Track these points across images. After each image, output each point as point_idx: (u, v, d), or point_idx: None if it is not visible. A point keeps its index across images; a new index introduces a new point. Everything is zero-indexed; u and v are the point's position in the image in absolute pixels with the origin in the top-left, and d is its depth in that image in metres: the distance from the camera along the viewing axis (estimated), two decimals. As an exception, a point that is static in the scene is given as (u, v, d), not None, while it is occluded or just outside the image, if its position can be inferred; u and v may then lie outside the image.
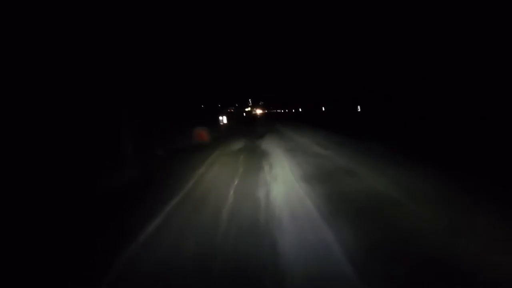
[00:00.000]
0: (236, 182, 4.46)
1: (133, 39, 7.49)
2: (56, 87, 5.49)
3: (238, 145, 9.00)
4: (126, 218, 3.39)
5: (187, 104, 16.04)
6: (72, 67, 5.78)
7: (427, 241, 2.25)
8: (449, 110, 9.88)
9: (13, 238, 2.92)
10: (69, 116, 5.66)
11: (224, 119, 18.31)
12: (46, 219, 3.43)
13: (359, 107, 22.11)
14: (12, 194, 3.85)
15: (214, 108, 23.30)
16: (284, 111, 55.74)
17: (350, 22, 19.09)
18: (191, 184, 4.63)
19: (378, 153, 6.00)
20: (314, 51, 30.44)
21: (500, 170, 4.00)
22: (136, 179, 5.48)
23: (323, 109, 35.00)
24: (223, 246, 2.44)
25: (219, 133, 13.35)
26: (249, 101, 69.55)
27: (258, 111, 66.21)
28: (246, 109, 65.54)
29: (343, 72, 25.06)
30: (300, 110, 47.20)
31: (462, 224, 2.50)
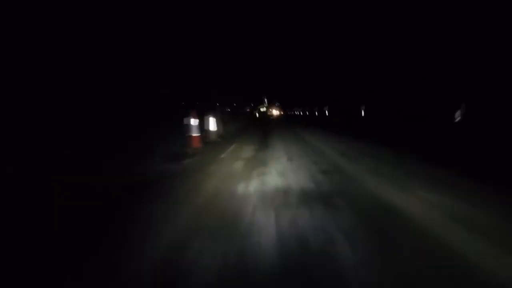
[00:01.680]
0: None
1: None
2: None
3: None
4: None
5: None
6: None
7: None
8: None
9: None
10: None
11: (210, 124, 9.66)
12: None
13: (459, 113, 12.58)
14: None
15: (204, 106, 15.13)
16: (305, 113, 46.55)
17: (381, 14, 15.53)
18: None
19: None
20: (341, 44, 22.68)
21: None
22: None
23: (362, 113, 25.75)
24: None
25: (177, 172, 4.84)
26: (264, 100, 60.61)
27: (275, 112, 57.24)
28: (261, 109, 56.68)
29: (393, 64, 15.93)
30: (326, 112, 38.01)
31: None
